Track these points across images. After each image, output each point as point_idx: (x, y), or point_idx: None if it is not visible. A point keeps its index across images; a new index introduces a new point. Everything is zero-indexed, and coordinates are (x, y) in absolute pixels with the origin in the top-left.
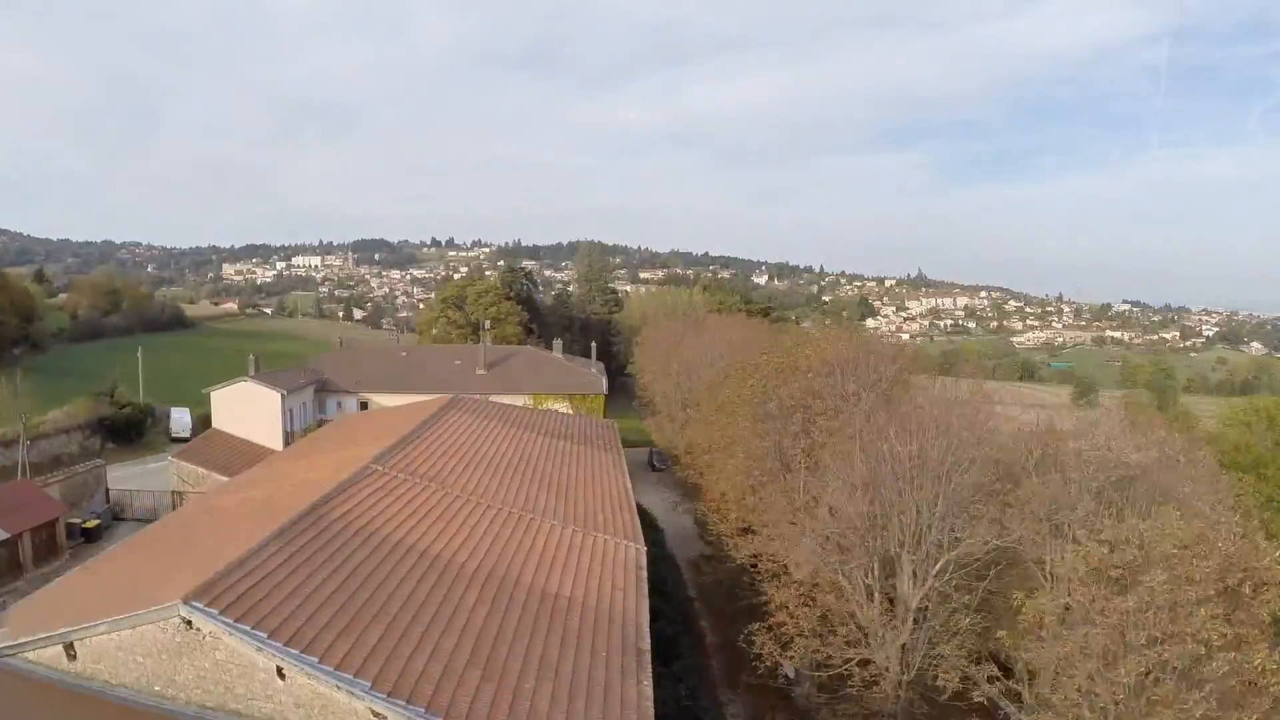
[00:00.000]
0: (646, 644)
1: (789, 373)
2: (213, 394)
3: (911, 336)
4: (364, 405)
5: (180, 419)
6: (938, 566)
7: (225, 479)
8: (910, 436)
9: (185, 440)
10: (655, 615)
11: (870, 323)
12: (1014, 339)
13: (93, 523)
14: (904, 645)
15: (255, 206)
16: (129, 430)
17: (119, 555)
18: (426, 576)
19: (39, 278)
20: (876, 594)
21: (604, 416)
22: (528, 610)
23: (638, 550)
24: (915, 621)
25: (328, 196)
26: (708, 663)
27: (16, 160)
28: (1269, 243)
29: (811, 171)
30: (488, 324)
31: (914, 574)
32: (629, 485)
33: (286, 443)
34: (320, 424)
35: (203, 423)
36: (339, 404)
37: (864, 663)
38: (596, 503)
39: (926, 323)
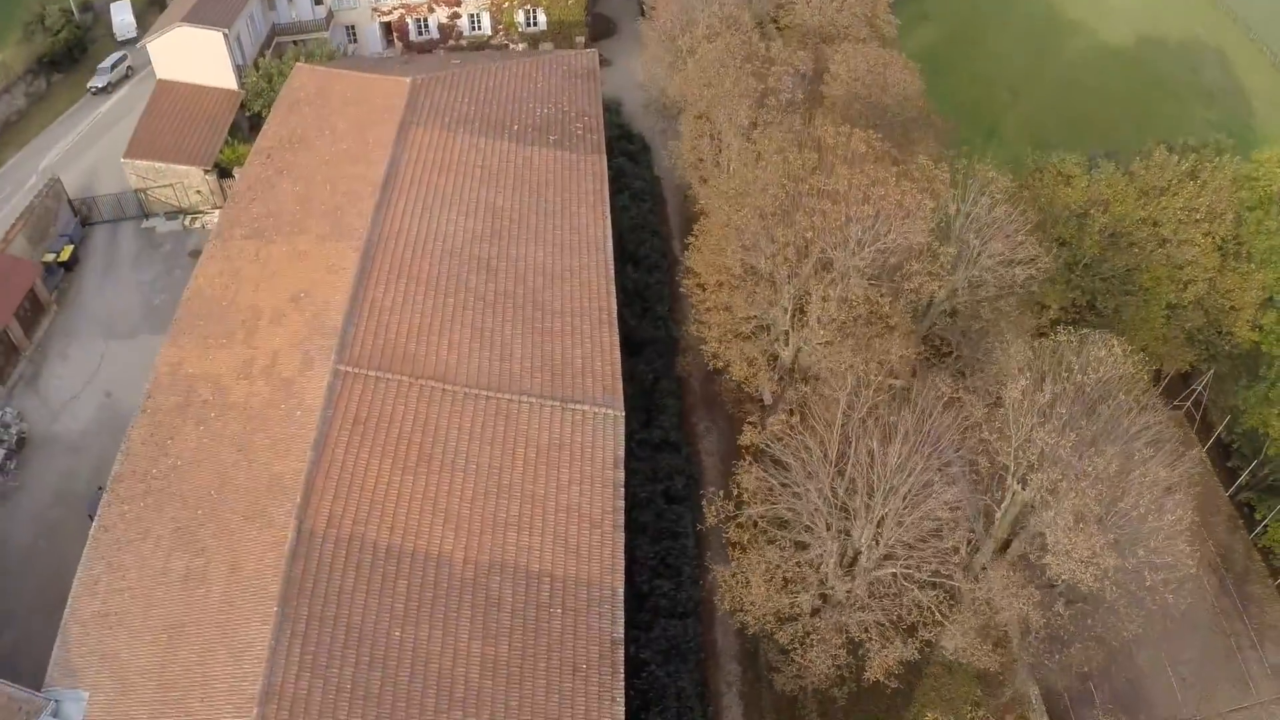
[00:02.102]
0: (620, 633)
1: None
2: (149, 46)
3: None
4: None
5: (123, 20)
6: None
7: (183, 168)
8: None
9: (134, 40)
10: (640, 346)
11: None
12: None
13: (67, 251)
14: None
15: None
16: (70, 55)
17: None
18: (420, 610)
19: None
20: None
21: None
22: (514, 625)
23: (615, 425)
24: None
25: None
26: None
27: None
28: None
29: None
30: None
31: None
32: (609, 255)
33: (239, 78)
34: (274, 42)
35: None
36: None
37: None
38: (575, 322)
39: None
